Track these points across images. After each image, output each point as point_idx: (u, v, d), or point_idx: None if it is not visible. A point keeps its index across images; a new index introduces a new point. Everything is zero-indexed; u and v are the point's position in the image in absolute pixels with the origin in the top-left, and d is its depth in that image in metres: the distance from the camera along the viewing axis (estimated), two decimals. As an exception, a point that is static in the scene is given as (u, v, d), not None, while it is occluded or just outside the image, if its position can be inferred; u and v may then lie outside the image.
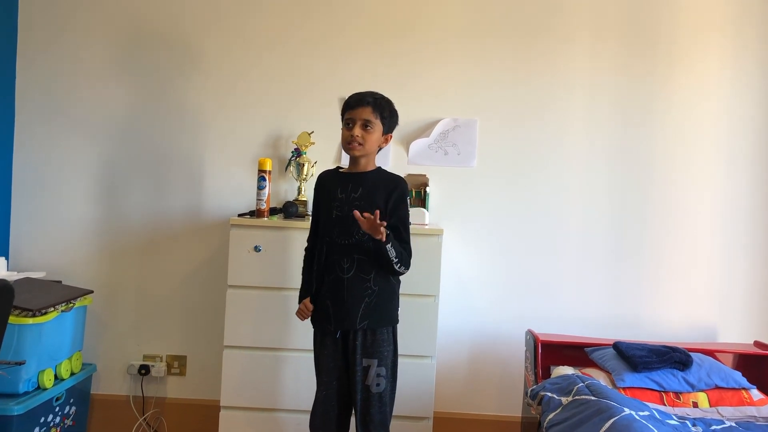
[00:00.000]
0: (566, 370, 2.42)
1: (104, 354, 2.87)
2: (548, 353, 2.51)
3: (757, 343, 2.66)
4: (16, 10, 2.83)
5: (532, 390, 2.31)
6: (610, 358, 2.42)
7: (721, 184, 2.84)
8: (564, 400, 2.10)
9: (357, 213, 1.91)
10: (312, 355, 2.15)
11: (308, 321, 2.15)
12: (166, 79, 2.85)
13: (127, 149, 2.86)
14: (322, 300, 2.07)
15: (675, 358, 2.34)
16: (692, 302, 2.84)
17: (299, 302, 2.16)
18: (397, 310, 2.12)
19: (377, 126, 2.05)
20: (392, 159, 2.83)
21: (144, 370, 2.84)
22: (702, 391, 2.30)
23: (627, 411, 1.89)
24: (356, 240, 2.02)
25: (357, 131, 2.02)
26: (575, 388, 2.14)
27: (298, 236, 2.45)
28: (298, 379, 2.44)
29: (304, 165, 2.72)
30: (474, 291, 2.86)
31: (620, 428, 1.79)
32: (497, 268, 2.86)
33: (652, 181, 2.84)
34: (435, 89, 2.84)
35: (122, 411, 2.85)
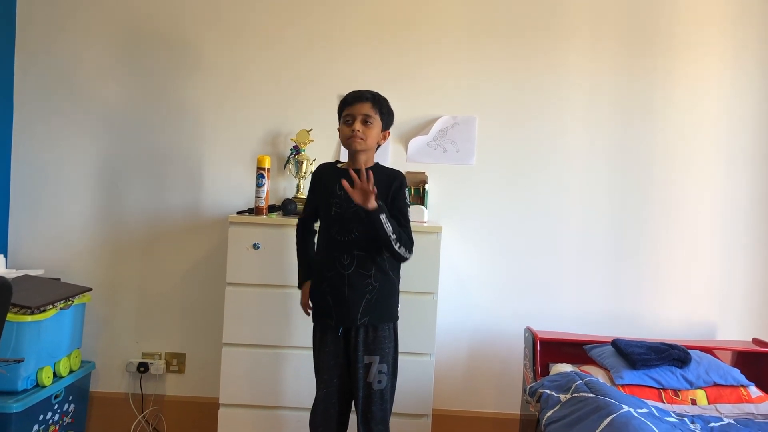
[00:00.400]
0: (565, 368, 2.42)
1: (103, 351, 2.87)
2: (547, 351, 2.51)
3: (755, 341, 2.66)
4: (14, 7, 2.82)
5: (530, 387, 2.31)
6: (608, 355, 2.42)
7: (721, 182, 2.84)
8: (563, 397, 2.11)
9: (345, 182, 1.91)
10: (311, 352, 2.15)
11: (309, 319, 2.15)
12: (165, 77, 2.85)
13: (126, 147, 2.86)
14: (322, 296, 2.07)
15: (674, 355, 2.34)
16: (691, 300, 2.84)
17: (299, 286, 2.17)
18: (398, 306, 2.12)
19: (377, 121, 2.06)
20: (391, 156, 2.83)
21: (143, 367, 2.84)
22: (700, 388, 2.30)
23: (626, 408, 1.89)
24: (356, 236, 2.02)
25: (358, 126, 2.03)
26: (574, 385, 2.14)
27: (296, 234, 2.45)
28: (297, 376, 2.44)
29: (302, 162, 2.72)
30: (473, 288, 2.86)
31: (619, 425, 1.79)
32: (496, 265, 2.86)
33: (651, 180, 2.84)
34: (434, 86, 2.84)
35: (121, 408, 2.85)
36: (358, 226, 2.00)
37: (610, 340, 2.47)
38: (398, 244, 1.98)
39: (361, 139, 2.04)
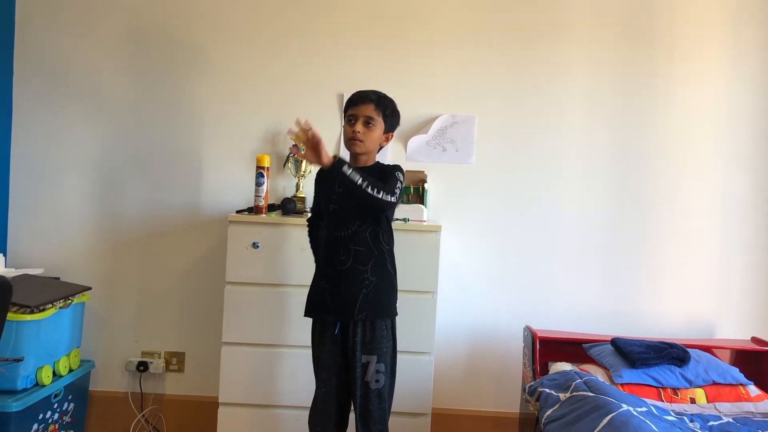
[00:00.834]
0: (564, 367, 2.43)
1: (102, 351, 2.87)
2: (546, 349, 2.51)
3: (754, 339, 2.67)
4: (13, 5, 2.81)
5: (530, 386, 2.32)
6: (608, 354, 2.42)
7: (720, 180, 2.84)
8: (562, 396, 2.11)
9: (290, 135, 1.93)
10: (310, 351, 2.15)
11: (308, 318, 2.14)
12: (165, 76, 2.85)
13: (126, 145, 2.86)
14: (321, 292, 2.08)
15: (673, 354, 2.34)
16: (690, 298, 2.85)
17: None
18: (396, 302, 2.11)
19: (379, 123, 2.05)
20: (390, 155, 2.83)
21: (142, 366, 2.84)
22: (699, 387, 2.31)
23: (625, 407, 1.89)
24: (352, 231, 2.02)
25: (359, 127, 2.03)
26: (573, 384, 2.14)
27: (296, 233, 2.45)
28: (297, 375, 2.44)
29: (302, 162, 2.72)
30: (472, 287, 2.86)
31: (618, 424, 1.79)
32: (495, 264, 2.86)
33: (650, 178, 2.85)
34: (433, 85, 2.84)
35: (121, 407, 2.85)
36: (353, 220, 2.00)
37: (610, 338, 2.47)
38: (371, 188, 1.89)
39: (360, 141, 2.03)
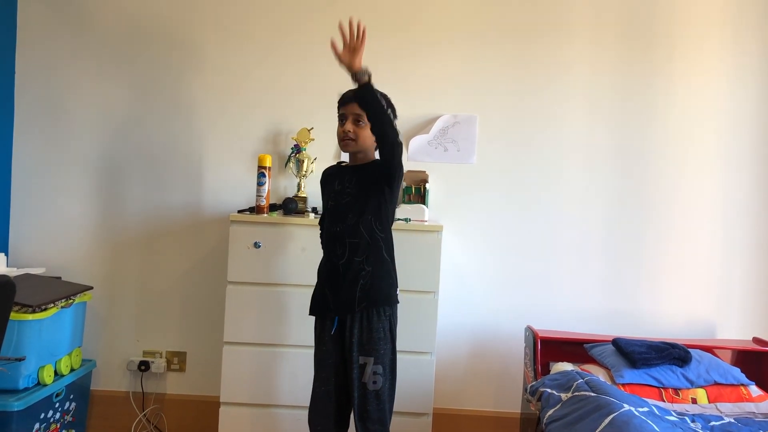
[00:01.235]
0: (565, 367, 2.43)
1: (104, 350, 2.87)
2: (547, 349, 2.51)
3: (755, 340, 2.67)
4: (15, 7, 2.82)
5: (531, 386, 2.32)
6: (609, 354, 2.42)
7: (721, 180, 2.84)
8: (563, 396, 2.11)
9: (332, 42, 1.93)
10: (312, 351, 2.15)
11: (310, 318, 2.14)
12: (165, 76, 2.85)
13: (127, 145, 2.86)
14: (320, 288, 2.09)
15: (674, 354, 2.34)
16: (691, 298, 2.85)
17: None
18: (396, 290, 2.08)
19: None
20: (392, 155, 2.82)
21: (144, 366, 2.84)
22: (701, 387, 2.31)
23: (626, 407, 1.89)
24: (347, 225, 2.01)
25: (349, 126, 2.02)
26: (574, 384, 2.14)
27: (297, 232, 2.46)
28: (298, 374, 2.44)
29: (303, 161, 2.72)
30: (473, 287, 2.86)
31: (620, 424, 1.79)
32: (497, 264, 2.86)
33: (651, 179, 2.85)
34: (435, 85, 2.84)
35: (122, 407, 2.86)
36: (349, 214, 2.00)
37: (611, 339, 2.47)
38: (393, 116, 1.96)
39: (352, 140, 2.03)
